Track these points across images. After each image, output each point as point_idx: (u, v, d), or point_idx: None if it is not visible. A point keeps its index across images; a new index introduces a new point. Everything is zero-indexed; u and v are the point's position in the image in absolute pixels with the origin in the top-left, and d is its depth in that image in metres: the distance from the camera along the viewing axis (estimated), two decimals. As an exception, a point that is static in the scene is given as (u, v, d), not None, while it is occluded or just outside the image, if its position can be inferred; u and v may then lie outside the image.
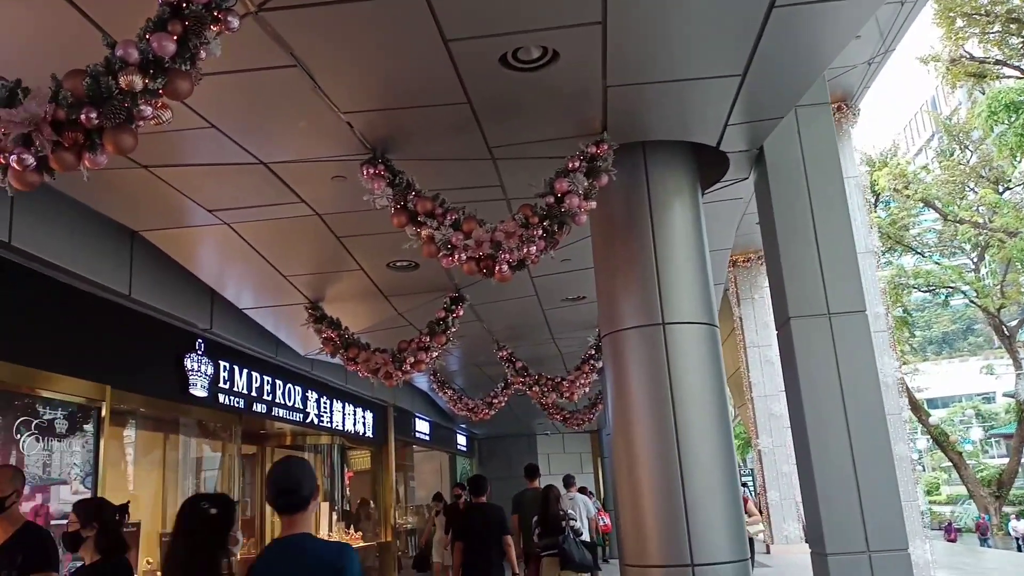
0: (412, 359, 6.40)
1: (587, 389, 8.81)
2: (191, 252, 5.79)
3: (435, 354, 6.49)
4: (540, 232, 3.97)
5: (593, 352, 8.51)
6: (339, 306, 6.81)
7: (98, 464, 5.44)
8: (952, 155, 24.65)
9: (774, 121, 4.35)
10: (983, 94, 19.70)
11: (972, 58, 18.85)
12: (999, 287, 23.33)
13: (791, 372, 4.37)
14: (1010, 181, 22.85)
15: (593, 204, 4.05)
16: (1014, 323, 24.28)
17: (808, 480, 4.28)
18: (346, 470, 13.32)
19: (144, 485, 7.29)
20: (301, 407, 9.20)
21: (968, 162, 23.94)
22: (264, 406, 8.16)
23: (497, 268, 4.00)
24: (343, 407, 10.71)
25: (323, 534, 10.29)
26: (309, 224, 5.26)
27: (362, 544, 11.91)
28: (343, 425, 10.70)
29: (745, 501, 14.31)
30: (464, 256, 3.99)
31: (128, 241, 5.78)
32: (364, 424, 11.65)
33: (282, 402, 8.63)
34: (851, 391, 4.19)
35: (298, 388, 9.09)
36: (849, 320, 4.29)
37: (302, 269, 6.12)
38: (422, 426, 15.05)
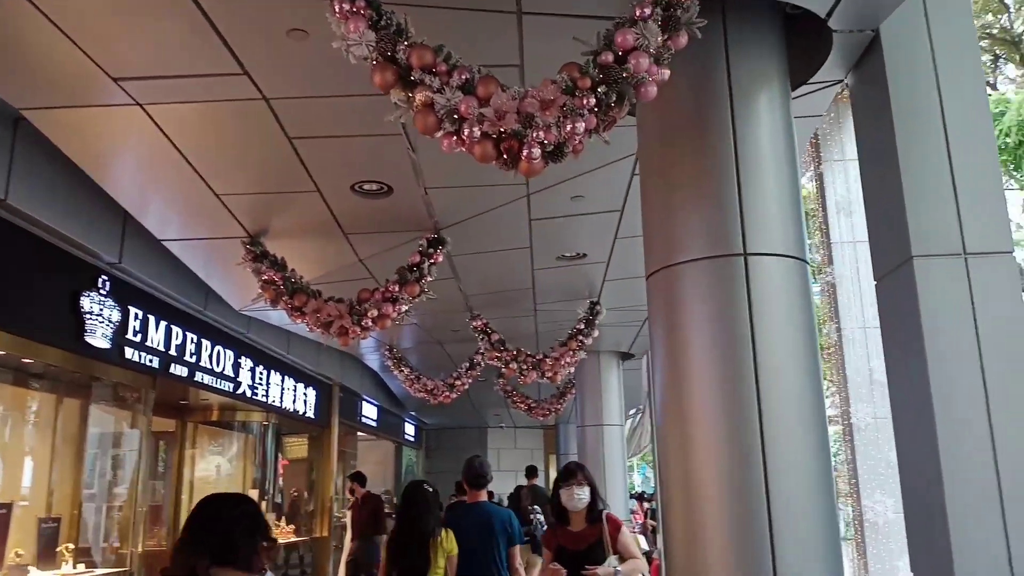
0: (375, 312, 5.09)
1: (572, 369, 7.60)
2: (92, 148, 4.38)
3: (404, 308, 5.19)
4: (591, 102, 2.72)
5: (582, 326, 7.30)
6: (286, 244, 5.45)
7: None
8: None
9: (905, -10, 3.19)
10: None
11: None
12: None
13: (906, 331, 3.19)
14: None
15: (667, 73, 2.82)
16: None
17: (923, 489, 3.12)
18: (280, 458, 11.90)
19: (19, 458, 5.83)
20: (232, 375, 7.77)
21: None
22: (185, 368, 6.73)
23: (525, 152, 2.73)
24: (282, 380, 9.29)
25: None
26: (252, 114, 3.91)
27: (294, 539, 10.51)
28: (281, 401, 9.28)
29: (637, 516, 13.12)
30: (478, 132, 2.72)
31: (9, 127, 4.36)
32: (305, 402, 10.23)
33: (208, 366, 7.19)
34: (995, 360, 3.03)
35: (229, 352, 7.66)
36: (992, 263, 3.14)
37: (240, 186, 4.75)
38: (369, 410, 13.66)
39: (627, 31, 2.73)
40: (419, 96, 2.75)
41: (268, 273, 5.14)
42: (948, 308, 3.13)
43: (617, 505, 9.84)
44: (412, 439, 18.67)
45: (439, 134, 2.81)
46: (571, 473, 4.18)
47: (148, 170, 4.57)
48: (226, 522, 2.22)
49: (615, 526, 4.13)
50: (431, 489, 4.34)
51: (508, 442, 21.34)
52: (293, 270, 5.26)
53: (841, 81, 3.85)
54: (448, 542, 4.18)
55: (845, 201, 9.32)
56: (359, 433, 14.54)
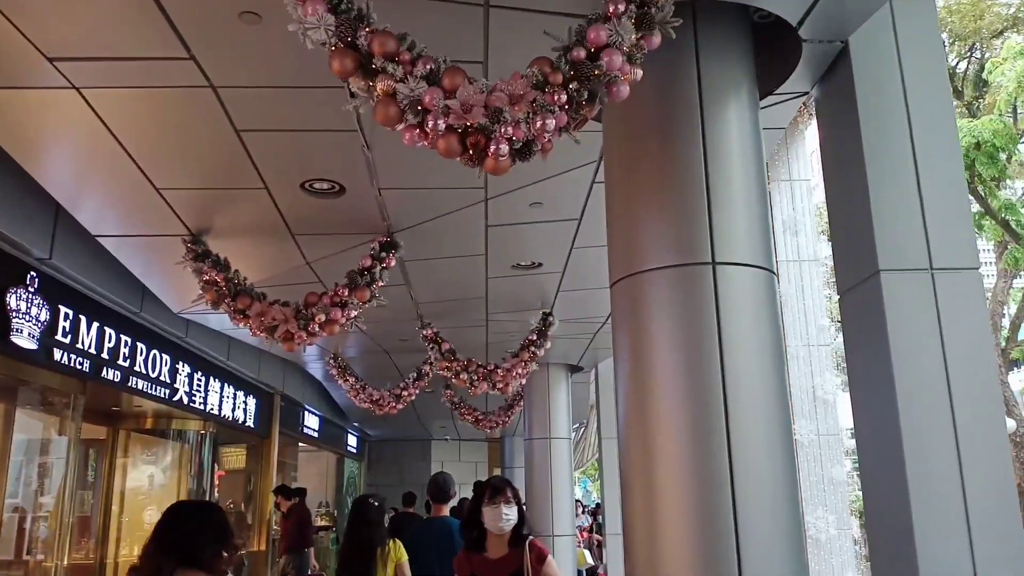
0: (323, 317, 4.88)
1: (523, 381, 7.46)
2: (23, 134, 4.09)
3: (354, 314, 4.99)
4: (563, 99, 2.60)
5: (534, 337, 7.18)
6: (230, 244, 5.20)
7: None
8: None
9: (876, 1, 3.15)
10: None
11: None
12: None
13: (872, 344, 3.14)
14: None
15: (639, 73, 2.72)
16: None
17: (888, 509, 3.06)
18: (216, 468, 11.49)
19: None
20: (168, 381, 7.42)
21: None
22: (118, 373, 6.38)
23: (492, 148, 2.60)
24: (221, 387, 8.94)
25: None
26: (198, 103, 3.69)
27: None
28: (220, 409, 8.93)
29: (584, 532, 13.03)
30: (442, 125, 2.57)
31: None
32: (245, 411, 9.88)
33: (143, 371, 6.85)
34: (961, 377, 2.99)
35: (166, 356, 7.32)
36: (958, 279, 3.10)
37: (183, 180, 4.50)
38: (311, 421, 13.30)
39: (600, 27, 2.62)
40: (380, 85, 2.60)
41: (210, 273, 4.89)
42: (915, 323, 3.09)
43: (564, 521, 9.73)
44: (355, 451, 18.29)
45: (400, 126, 2.66)
46: (498, 490, 3.65)
47: (84, 160, 4.30)
48: (194, 528, 2.39)
49: (539, 556, 3.60)
50: (376, 504, 4.50)
51: (452, 455, 21.08)
52: (237, 271, 5.02)
53: (806, 94, 3.82)
54: (396, 551, 4.35)
55: (791, 220, 9.46)
56: (300, 444, 14.16)
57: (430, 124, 2.56)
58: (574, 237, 5.48)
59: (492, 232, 5.28)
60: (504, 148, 2.59)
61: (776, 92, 3.68)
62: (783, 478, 2.77)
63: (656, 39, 2.72)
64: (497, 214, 4.98)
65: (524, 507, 3.75)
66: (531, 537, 3.69)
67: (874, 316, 3.16)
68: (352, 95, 2.67)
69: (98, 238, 5.22)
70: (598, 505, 13.40)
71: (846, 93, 3.42)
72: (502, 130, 2.58)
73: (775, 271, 3.10)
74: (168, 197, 4.63)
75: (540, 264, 6.05)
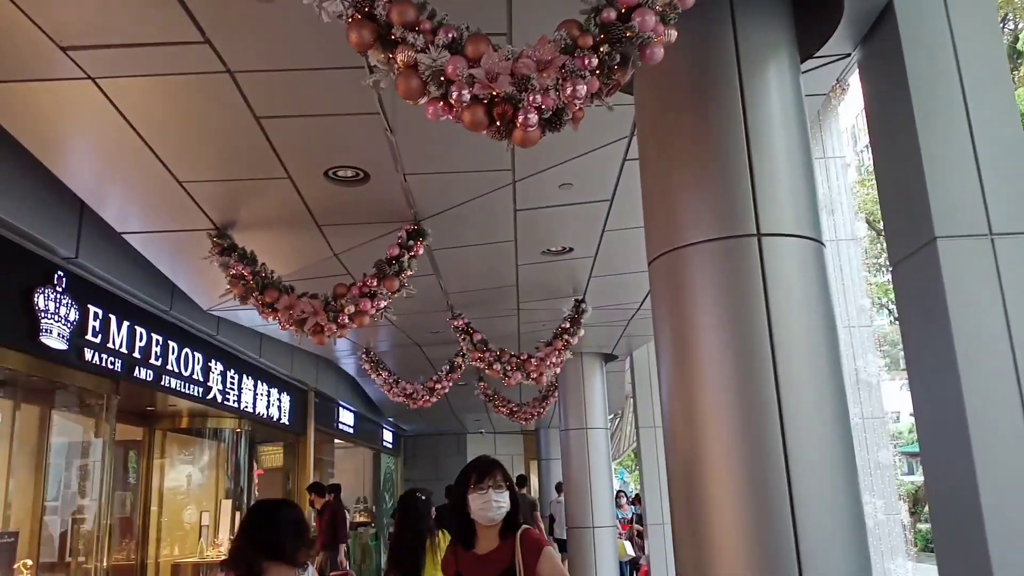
0: (352, 308, 4.78)
1: (558, 370, 7.32)
2: (42, 129, 4.03)
3: (383, 304, 4.88)
4: (593, 62, 2.45)
5: (567, 325, 7.03)
6: (256, 237, 5.12)
7: None
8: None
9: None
10: None
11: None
12: None
13: (930, 315, 2.94)
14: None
15: (673, 34, 2.55)
16: None
17: (953, 491, 2.86)
18: (255, 467, 11.52)
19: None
20: (202, 379, 7.40)
21: None
22: (151, 372, 6.36)
23: (520, 119, 2.45)
24: (255, 385, 8.92)
25: (225, 543, 8.50)
26: (216, 89, 3.59)
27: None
28: (254, 407, 8.91)
29: (625, 526, 12.83)
30: (467, 95, 2.43)
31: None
32: (280, 408, 9.86)
33: (176, 370, 6.82)
34: (1029, 349, 2.79)
35: (198, 355, 7.29)
36: (1019, 244, 2.89)
37: (205, 172, 4.41)
38: (346, 416, 13.28)
39: (631, -15, 2.46)
40: (401, 57, 2.46)
41: (236, 267, 4.81)
42: (975, 291, 2.88)
43: (604, 512, 9.58)
44: (390, 446, 18.29)
45: (423, 100, 2.53)
46: (485, 472, 3.05)
47: (104, 154, 4.23)
48: (278, 524, 2.59)
49: (533, 548, 2.99)
50: (423, 497, 4.59)
51: (488, 448, 21.00)
52: (263, 264, 4.93)
53: (848, 55, 3.61)
54: (445, 540, 4.35)
55: (827, 199, 9.24)
56: (336, 440, 14.16)
57: (454, 95, 2.42)
58: (606, 219, 5.32)
59: (521, 217, 5.13)
60: (533, 118, 2.44)
61: (816, 55, 3.49)
62: (842, 464, 2.61)
63: (691, -2, 2.55)
64: (525, 197, 4.83)
65: (516, 491, 3.15)
66: (525, 526, 3.09)
67: (931, 286, 2.96)
68: (371, 70, 2.55)
69: (124, 235, 5.17)
70: (637, 496, 13.22)
71: (892, 52, 3.21)
72: (530, 99, 2.43)
73: (823, 243, 2.92)
74: (191, 190, 4.55)
75: (571, 249, 5.90)
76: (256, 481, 11.38)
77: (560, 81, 2.45)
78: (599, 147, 4.26)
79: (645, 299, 7.50)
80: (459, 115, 2.49)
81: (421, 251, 4.96)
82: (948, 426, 2.87)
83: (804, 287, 2.75)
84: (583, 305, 7.01)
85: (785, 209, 2.81)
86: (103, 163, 4.32)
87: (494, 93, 2.44)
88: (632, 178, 4.68)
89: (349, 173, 4.41)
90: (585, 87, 2.43)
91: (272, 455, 12.21)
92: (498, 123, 2.48)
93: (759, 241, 2.74)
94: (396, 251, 4.86)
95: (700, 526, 2.62)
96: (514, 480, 3.42)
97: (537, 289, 6.91)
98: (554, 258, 6.07)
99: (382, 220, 5.02)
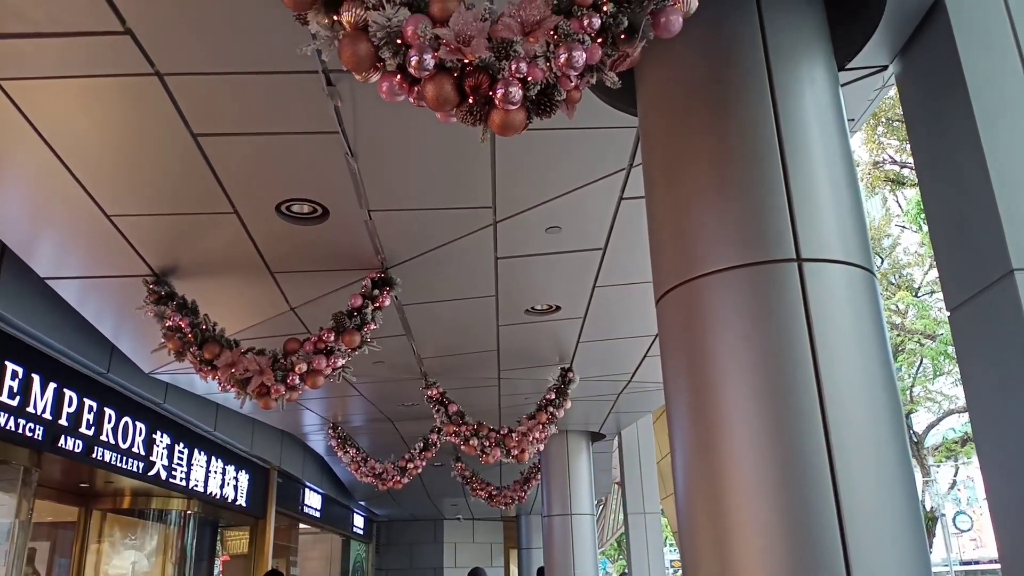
0: (304, 366, 4.13)
1: (541, 447, 6.61)
2: (-60, 147, 3.44)
3: (341, 362, 4.23)
4: (595, 24, 1.90)
5: (552, 396, 6.37)
6: (200, 287, 4.50)
7: None
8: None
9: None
10: (897, 202, 20.30)
11: (894, 161, 19.23)
12: (908, 392, 22.46)
13: (1011, 366, 2.35)
14: (920, 288, 22.38)
15: (694, 4, 2.03)
16: (921, 429, 23.23)
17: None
18: (220, 553, 10.58)
19: None
20: (143, 453, 6.62)
21: (880, 267, 23.53)
22: (80, 443, 5.60)
23: (499, 92, 1.89)
24: (208, 461, 8.11)
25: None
26: (143, 96, 3.03)
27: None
28: (205, 486, 8.07)
29: None
30: (430, 61, 1.87)
31: None
32: (236, 488, 9.01)
33: (111, 441, 6.06)
34: None
35: (140, 425, 6.54)
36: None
37: (137, 205, 3.81)
38: (313, 499, 12.35)
39: (640, -62, 1.94)
40: (346, 16, 1.91)
41: (173, 318, 4.17)
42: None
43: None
44: (361, 532, 17.18)
45: (375, 76, 1.97)
46: None
47: (13, 179, 3.62)
48: None
49: None
50: None
51: (466, 535, 19.91)
52: (206, 315, 4.29)
53: (884, 68, 3.12)
54: None
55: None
56: (301, 525, 13.16)
57: (413, 61, 1.86)
58: (597, 272, 4.74)
59: (503, 266, 4.55)
60: (515, 92, 1.89)
61: (847, 68, 2.99)
62: (914, 555, 1.97)
63: (712, -40, 2.04)
64: (508, 242, 4.26)
65: None
66: None
67: (1009, 328, 2.38)
68: (314, 38, 1.99)
69: (48, 281, 4.52)
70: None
71: (944, 58, 2.72)
72: (513, 67, 1.88)
73: (874, 272, 2.35)
74: (122, 227, 3.95)
75: (558, 308, 5.30)
76: (222, 568, 10.44)
77: (551, 47, 1.91)
78: (592, 181, 3.72)
79: (637, 370, 6.89)
80: (422, 90, 1.93)
81: (388, 302, 4.35)
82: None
83: (856, 323, 2.16)
84: (570, 374, 6.38)
85: (830, 231, 2.25)
86: (12, 190, 3.71)
87: (466, 60, 1.89)
88: (628, 222, 4.14)
89: (305, 208, 3.83)
90: (583, 54, 1.88)
91: (239, 539, 11.25)
92: (470, 99, 1.92)
93: (800, 267, 2.17)
94: (359, 301, 4.25)
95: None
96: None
97: (520, 355, 6.27)
98: (539, 318, 5.46)
99: (345, 267, 4.42)
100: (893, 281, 22.96)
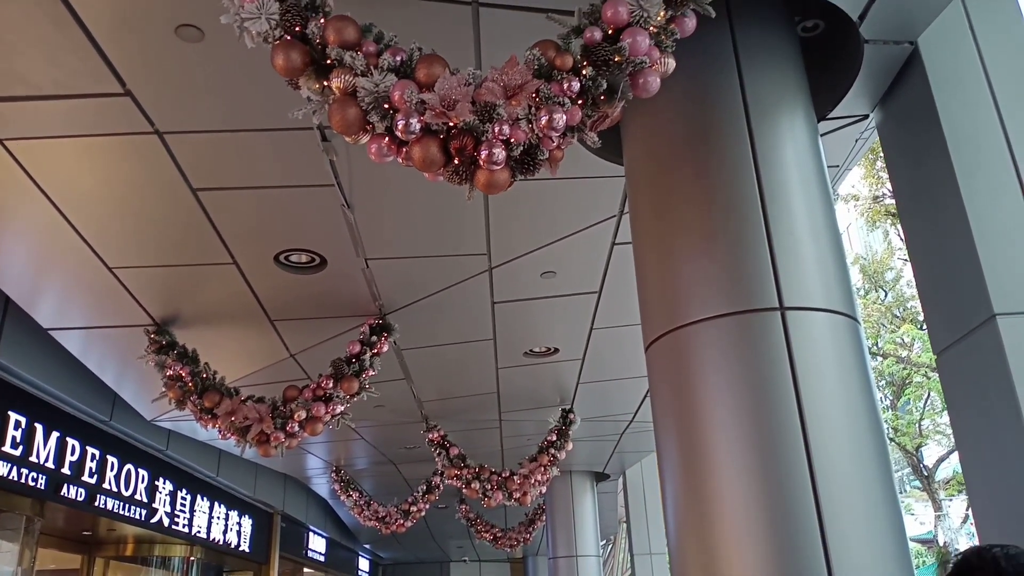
0: (304, 413, 4.16)
1: (543, 489, 6.59)
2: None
3: (339, 409, 4.27)
4: (575, 88, 1.97)
5: (554, 438, 6.37)
6: (201, 336, 4.55)
7: None
8: (867, 295, 24.13)
9: (951, -12, 2.57)
10: (899, 235, 20.25)
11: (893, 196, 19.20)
12: (917, 425, 22.24)
13: (991, 401, 2.38)
14: (924, 321, 22.13)
15: (671, 64, 2.11)
16: (931, 463, 22.99)
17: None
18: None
19: None
20: (146, 500, 6.62)
21: (883, 301, 23.48)
22: (82, 491, 5.62)
23: (483, 154, 1.96)
24: (211, 507, 8.09)
25: None
26: (144, 154, 3.12)
27: None
28: (208, 532, 8.04)
29: None
30: (416, 125, 1.94)
31: None
32: (239, 533, 8.96)
33: (114, 489, 6.07)
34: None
35: (143, 472, 6.55)
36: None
37: (138, 256, 3.89)
38: (317, 543, 12.26)
39: (619, 3, 2.02)
40: (336, 82, 1.99)
41: (173, 367, 4.22)
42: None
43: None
44: (366, 575, 17.00)
45: (365, 138, 2.04)
46: None
47: (18, 234, 3.70)
48: None
49: None
50: None
51: (472, 577, 19.68)
52: (206, 364, 4.34)
53: (866, 116, 3.20)
54: None
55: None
56: (305, 569, 13.04)
57: (400, 125, 1.93)
58: (594, 315, 4.79)
59: (500, 311, 4.60)
60: (499, 153, 1.95)
61: (829, 116, 3.07)
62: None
63: (691, 23, 2.11)
64: (504, 288, 4.32)
65: None
66: None
67: (993, 371, 2.42)
68: (309, 100, 2.07)
69: (51, 332, 4.58)
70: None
71: (921, 106, 2.80)
72: (496, 129, 1.95)
73: (858, 320, 2.38)
74: (123, 278, 4.02)
75: (556, 350, 5.33)
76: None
77: (533, 110, 1.97)
78: (584, 228, 3.79)
79: (639, 409, 6.89)
80: (410, 152, 2.00)
81: (386, 348, 4.39)
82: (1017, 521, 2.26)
83: (840, 369, 2.20)
84: (571, 415, 6.38)
85: (812, 280, 2.30)
86: (17, 244, 3.79)
87: (451, 123, 1.96)
88: (622, 266, 4.19)
89: (303, 258, 3.90)
90: (563, 116, 1.95)
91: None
92: (456, 160, 1.99)
93: (783, 316, 2.21)
94: (357, 348, 4.30)
95: None
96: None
97: (520, 397, 6.29)
98: (538, 360, 5.50)
99: (343, 314, 4.47)
100: (898, 314, 22.88)
